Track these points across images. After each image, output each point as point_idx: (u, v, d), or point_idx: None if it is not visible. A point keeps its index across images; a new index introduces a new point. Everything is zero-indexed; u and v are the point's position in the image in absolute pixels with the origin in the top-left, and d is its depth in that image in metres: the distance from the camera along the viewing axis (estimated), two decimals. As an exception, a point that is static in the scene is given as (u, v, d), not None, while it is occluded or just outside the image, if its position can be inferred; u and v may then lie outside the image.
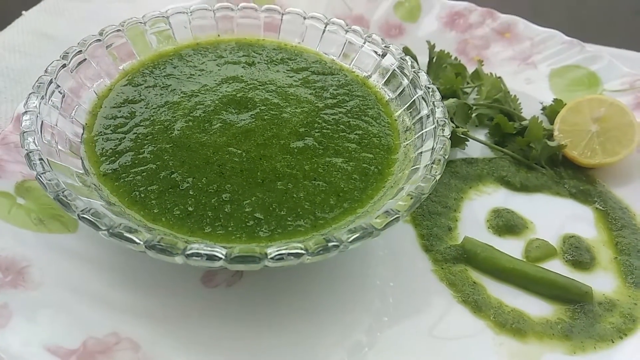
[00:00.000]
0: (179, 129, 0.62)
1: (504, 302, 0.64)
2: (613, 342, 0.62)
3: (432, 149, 0.59)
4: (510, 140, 0.84)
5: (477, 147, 0.83)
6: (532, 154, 0.81)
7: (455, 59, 0.94)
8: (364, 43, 0.74)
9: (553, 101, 0.88)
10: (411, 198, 0.53)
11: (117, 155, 0.59)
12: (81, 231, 0.62)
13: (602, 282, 0.68)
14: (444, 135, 0.59)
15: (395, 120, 0.68)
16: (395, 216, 0.51)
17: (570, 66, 0.94)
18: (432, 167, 0.56)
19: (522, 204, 0.76)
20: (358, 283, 0.64)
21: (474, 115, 0.86)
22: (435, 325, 0.61)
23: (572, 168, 0.81)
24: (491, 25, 1.00)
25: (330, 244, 0.48)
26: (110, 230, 0.47)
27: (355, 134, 0.65)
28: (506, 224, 0.72)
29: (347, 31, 0.75)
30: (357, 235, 0.49)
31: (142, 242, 0.47)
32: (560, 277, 0.66)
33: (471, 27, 1.01)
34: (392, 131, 0.66)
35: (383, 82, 0.71)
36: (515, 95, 0.89)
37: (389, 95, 0.70)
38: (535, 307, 0.64)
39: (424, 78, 0.67)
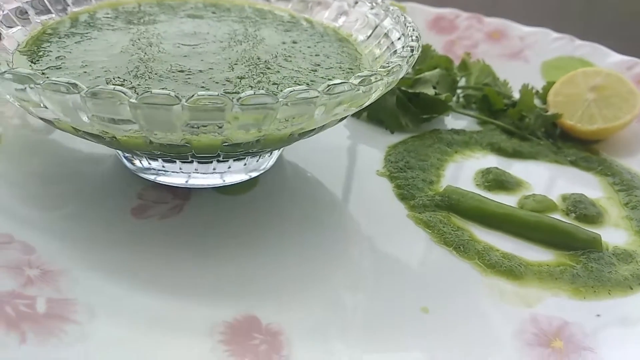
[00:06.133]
0: (118, 49, 0.56)
1: (494, 247, 0.53)
2: (632, 289, 0.50)
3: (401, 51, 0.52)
4: (501, 117, 0.76)
5: (463, 124, 0.75)
6: (526, 123, 0.73)
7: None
8: (334, -5, 0.69)
9: (546, 83, 0.81)
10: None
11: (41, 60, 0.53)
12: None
13: (613, 236, 0.57)
14: (413, 41, 0.53)
15: (366, 54, 0.61)
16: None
17: (562, 57, 0.89)
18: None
19: (516, 167, 0.67)
20: (318, 226, 0.54)
21: (461, 95, 0.80)
22: (414, 269, 0.50)
23: (571, 140, 0.73)
24: (478, 28, 0.97)
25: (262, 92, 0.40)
26: None
27: (317, 59, 0.58)
28: (496, 178, 0.62)
29: (317, -13, 0.71)
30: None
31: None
32: (562, 222, 0.56)
33: (458, 29, 0.97)
34: (360, 60, 0.59)
35: (355, 27, 0.66)
36: (505, 79, 0.83)
37: (360, 38, 0.64)
38: (533, 253, 0.53)
39: (396, 12, 0.61)
